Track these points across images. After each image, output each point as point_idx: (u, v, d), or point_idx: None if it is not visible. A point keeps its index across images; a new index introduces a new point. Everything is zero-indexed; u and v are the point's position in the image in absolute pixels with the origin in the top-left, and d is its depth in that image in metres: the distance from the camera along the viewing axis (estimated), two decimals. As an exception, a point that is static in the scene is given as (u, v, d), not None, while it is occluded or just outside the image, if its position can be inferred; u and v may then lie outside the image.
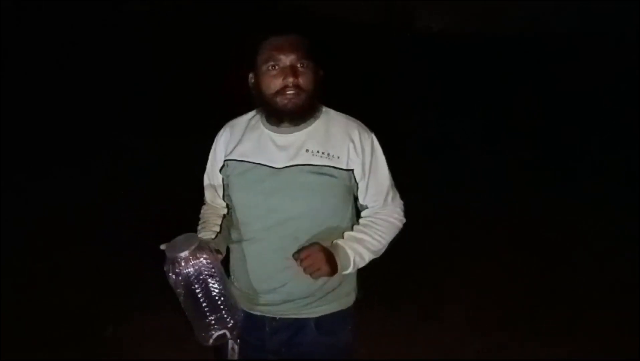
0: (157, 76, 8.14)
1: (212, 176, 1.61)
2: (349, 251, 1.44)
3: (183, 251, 1.30)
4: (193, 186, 1.74)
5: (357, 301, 1.61)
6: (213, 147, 1.60)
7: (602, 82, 8.88)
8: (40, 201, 4.56)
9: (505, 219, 4.60)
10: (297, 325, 1.54)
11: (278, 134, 1.47)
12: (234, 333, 1.37)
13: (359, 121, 1.54)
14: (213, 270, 1.33)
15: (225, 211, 1.62)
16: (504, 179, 5.67)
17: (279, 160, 1.45)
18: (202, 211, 1.65)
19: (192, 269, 1.30)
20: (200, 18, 10.73)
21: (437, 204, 4.82)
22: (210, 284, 1.32)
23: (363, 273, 1.62)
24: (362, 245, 1.45)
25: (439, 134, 7.28)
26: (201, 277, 1.31)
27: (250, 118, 1.56)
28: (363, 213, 1.55)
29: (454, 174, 5.79)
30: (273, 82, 1.40)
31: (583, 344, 2.89)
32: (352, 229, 1.53)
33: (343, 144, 1.46)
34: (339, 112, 1.55)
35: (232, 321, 1.35)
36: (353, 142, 1.46)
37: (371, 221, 1.51)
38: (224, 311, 1.34)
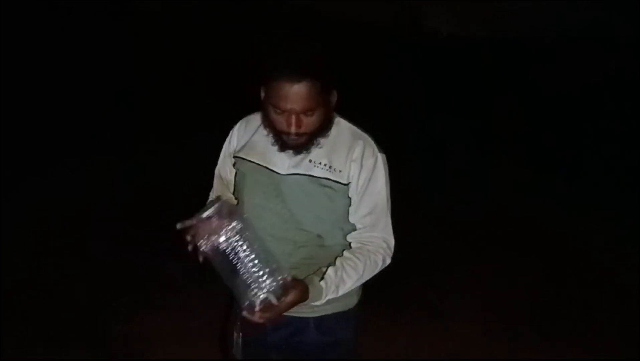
0: (158, 75, 8.14)
1: (224, 169, 1.63)
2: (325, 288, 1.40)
3: (207, 213, 1.25)
4: (195, 183, 1.73)
5: (363, 303, 1.61)
6: (227, 140, 1.61)
7: (606, 84, 8.89)
8: (43, 198, 4.56)
9: (511, 221, 4.61)
10: (297, 324, 1.54)
11: None
12: (281, 298, 1.27)
13: (367, 137, 1.50)
14: (245, 232, 1.27)
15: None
16: (508, 180, 5.68)
17: (283, 166, 1.46)
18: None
19: (222, 233, 1.24)
20: (204, 18, 10.72)
21: (443, 206, 4.84)
22: (244, 248, 1.26)
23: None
24: (342, 287, 1.43)
25: (441, 135, 7.27)
26: (232, 240, 1.25)
27: None
28: (350, 236, 1.50)
29: (458, 175, 5.80)
30: (278, 122, 1.39)
31: (589, 347, 2.89)
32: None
33: (347, 158, 1.45)
34: (350, 125, 1.52)
35: (274, 284, 1.27)
36: (355, 157, 1.45)
37: (357, 258, 1.45)
38: (263, 274, 1.26)
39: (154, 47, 9.01)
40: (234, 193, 1.62)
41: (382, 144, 1.52)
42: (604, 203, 4.99)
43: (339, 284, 1.41)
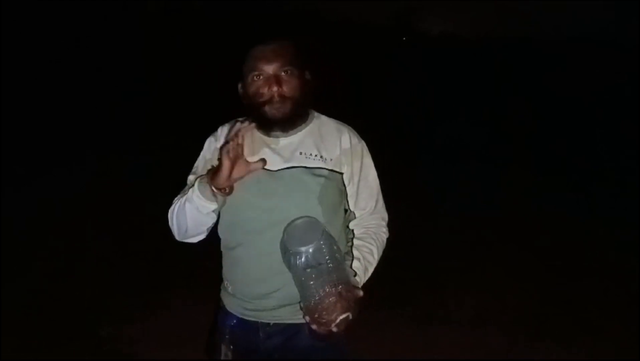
0: (164, 77, 8.19)
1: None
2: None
3: (309, 244, 1.25)
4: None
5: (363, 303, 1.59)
6: (204, 150, 1.57)
7: (609, 87, 8.82)
8: (44, 199, 4.55)
9: (512, 222, 4.56)
10: (290, 331, 1.50)
11: (271, 138, 1.48)
12: (356, 312, 1.30)
13: (349, 127, 1.55)
14: (331, 253, 1.27)
15: None
16: (510, 182, 5.63)
17: (274, 162, 1.44)
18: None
19: (314, 257, 1.25)
20: (206, 20, 10.77)
21: (445, 207, 4.77)
22: (328, 268, 1.26)
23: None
24: (366, 274, 1.48)
25: (441, 138, 7.26)
26: (320, 261, 1.26)
27: (242, 122, 1.52)
28: (352, 224, 1.53)
29: (460, 176, 5.75)
30: (259, 92, 1.41)
31: (588, 348, 2.84)
32: (344, 235, 1.53)
33: (335, 147, 1.48)
34: (330, 118, 1.55)
35: (352, 303, 1.29)
36: (344, 146, 1.49)
37: (369, 243, 1.50)
38: (343, 293, 1.28)
39: (160, 49, 9.06)
40: None
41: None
42: (614, 208, 4.93)
43: (365, 273, 1.47)
